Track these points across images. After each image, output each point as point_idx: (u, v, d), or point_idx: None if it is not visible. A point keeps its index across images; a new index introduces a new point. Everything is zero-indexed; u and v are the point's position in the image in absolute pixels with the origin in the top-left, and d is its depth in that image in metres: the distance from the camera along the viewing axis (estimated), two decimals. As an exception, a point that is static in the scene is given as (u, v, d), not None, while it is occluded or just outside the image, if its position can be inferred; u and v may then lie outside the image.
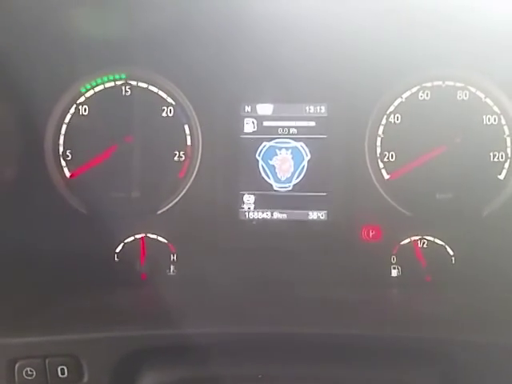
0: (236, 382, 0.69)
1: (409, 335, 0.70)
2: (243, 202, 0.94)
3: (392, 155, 0.93)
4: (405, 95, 0.94)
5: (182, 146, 0.94)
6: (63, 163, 0.94)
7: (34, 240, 0.88)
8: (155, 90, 0.94)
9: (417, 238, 0.92)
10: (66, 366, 0.68)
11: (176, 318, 0.74)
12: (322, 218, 0.93)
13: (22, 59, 0.89)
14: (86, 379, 0.68)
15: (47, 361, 0.68)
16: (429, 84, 0.93)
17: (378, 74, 0.91)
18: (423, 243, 0.92)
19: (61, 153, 0.93)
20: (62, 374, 0.68)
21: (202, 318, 0.75)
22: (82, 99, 0.94)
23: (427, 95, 0.94)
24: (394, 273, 0.92)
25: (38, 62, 0.91)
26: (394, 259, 0.92)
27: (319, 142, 0.92)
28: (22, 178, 0.90)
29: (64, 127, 0.93)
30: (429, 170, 0.92)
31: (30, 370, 0.68)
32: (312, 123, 0.92)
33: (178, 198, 0.94)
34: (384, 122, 0.93)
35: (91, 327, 0.69)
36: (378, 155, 0.93)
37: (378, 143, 0.93)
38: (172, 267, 0.93)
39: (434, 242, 0.92)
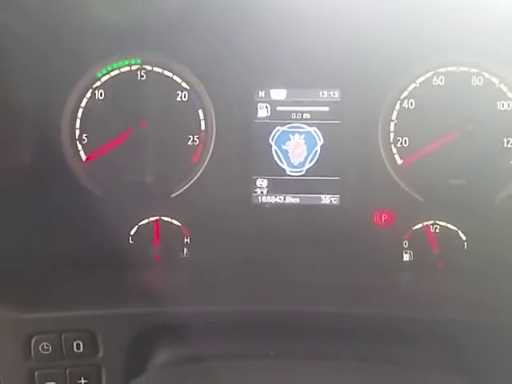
0: (247, 358, 0.69)
1: (419, 316, 0.70)
2: (256, 187, 0.95)
3: (405, 140, 0.93)
4: (419, 80, 0.94)
5: (196, 130, 0.95)
6: (79, 147, 0.95)
7: (50, 221, 0.89)
8: (170, 74, 0.95)
9: (429, 223, 0.92)
10: (81, 340, 0.69)
11: (188, 298, 0.75)
12: (334, 202, 0.93)
13: (38, 45, 0.91)
14: (101, 354, 0.69)
15: (63, 336, 0.69)
16: (443, 69, 0.93)
17: (392, 59, 0.91)
18: (435, 228, 0.92)
19: (77, 136, 0.95)
20: (78, 348, 0.69)
21: (213, 297, 0.76)
22: (98, 84, 0.95)
23: (441, 81, 0.93)
24: (406, 257, 0.92)
25: (55, 47, 0.93)
26: (406, 244, 0.92)
27: (332, 126, 0.93)
28: (39, 162, 0.91)
29: (80, 111, 0.95)
30: (442, 155, 0.92)
31: (46, 345, 0.69)
32: (325, 108, 0.93)
33: (192, 182, 0.95)
34: (398, 107, 0.93)
35: (107, 304, 0.71)
36: (392, 140, 0.93)
37: (392, 128, 0.93)
38: (185, 250, 0.95)
39: (446, 227, 0.92)
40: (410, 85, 0.94)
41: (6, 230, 0.76)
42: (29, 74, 0.90)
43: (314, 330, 0.72)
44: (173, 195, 0.95)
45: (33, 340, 0.69)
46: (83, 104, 0.95)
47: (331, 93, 0.93)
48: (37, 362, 0.70)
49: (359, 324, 0.72)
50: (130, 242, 0.94)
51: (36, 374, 0.70)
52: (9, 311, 0.69)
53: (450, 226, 0.91)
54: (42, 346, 0.69)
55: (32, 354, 0.69)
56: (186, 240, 0.95)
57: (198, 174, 0.95)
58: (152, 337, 0.71)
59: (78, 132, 0.95)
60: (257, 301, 0.76)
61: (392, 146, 0.93)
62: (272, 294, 0.78)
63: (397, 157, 0.93)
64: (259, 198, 0.95)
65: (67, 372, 0.70)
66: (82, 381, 0.70)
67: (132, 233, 0.95)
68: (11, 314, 0.69)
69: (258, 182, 0.94)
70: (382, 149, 0.92)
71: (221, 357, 0.71)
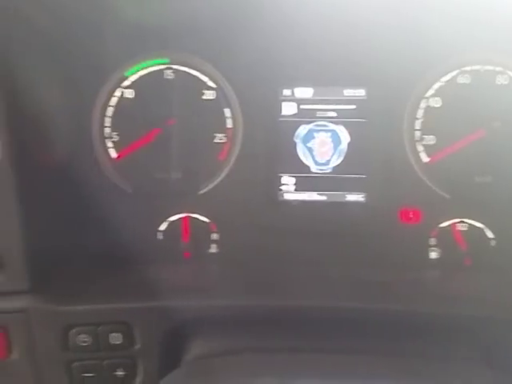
0: (278, 352, 0.71)
1: (445, 312, 0.71)
2: (282, 184, 0.96)
3: (431, 138, 0.94)
4: (444, 79, 0.94)
5: (222, 128, 0.96)
6: (109, 145, 0.97)
7: (82, 217, 0.91)
8: (197, 73, 0.96)
9: (456, 220, 0.92)
10: (118, 333, 0.71)
11: (219, 292, 0.77)
12: (360, 199, 0.94)
13: (69, 44, 0.93)
14: (137, 346, 0.71)
15: (100, 328, 0.71)
16: (468, 68, 0.94)
17: (417, 57, 0.92)
18: (462, 226, 0.92)
19: (107, 135, 0.97)
20: (115, 340, 0.71)
21: (242, 292, 0.77)
22: (126, 83, 0.97)
23: (467, 79, 0.94)
24: (433, 255, 0.93)
25: (85, 46, 0.94)
26: (432, 242, 0.93)
27: (358, 125, 0.94)
28: (70, 160, 0.93)
29: (110, 110, 0.97)
30: (468, 153, 0.92)
31: (84, 337, 0.71)
32: (352, 106, 0.94)
33: (219, 179, 0.96)
34: (423, 105, 0.94)
35: (143, 297, 0.73)
36: (417, 138, 0.94)
37: (417, 126, 0.94)
38: (213, 246, 0.96)
39: (473, 225, 0.92)
40: (435, 83, 0.94)
41: (42, 228, 0.78)
42: (60, 74, 0.92)
43: (342, 324, 0.73)
44: (200, 192, 0.97)
45: (71, 332, 0.71)
46: (112, 103, 0.97)
47: (357, 91, 0.94)
48: (74, 354, 0.72)
49: (387, 319, 0.73)
50: (160, 237, 0.96)
51: (73, 365, 0.72)
52: (48, 304, 0.71)
53: (476, 223, 0.91)
54: (80, 338, 0.71)
55: (70, 345, 0.71)
56: (213, 236, 0.96)
57: (225, 172, 0.96)
58: (187, 330, 0.73)
59: (107, 130, 0.97)
60: (285, 295, 0.77)
61: (418, 143, 0.93)
62: (299, 288, 0.80)
63: (423, 155, 0.94)
64: (285, 195, 0.96)
65: (104, 363, 0.72)
66: (119, 372, 0.72)
67: (161, 229, 0.96)
68: (50, 306, 0.71)
69: (284, 179, 0.96)
70: (407, 147, 0.93)
71: (251, 350, 0.72)
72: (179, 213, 0.97)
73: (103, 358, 0.72)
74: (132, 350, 0.72)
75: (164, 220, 0.97)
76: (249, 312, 0.74)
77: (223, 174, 0.97)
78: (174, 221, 0.97)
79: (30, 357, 0.73)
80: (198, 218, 0.97)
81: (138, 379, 0.74)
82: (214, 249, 0.97)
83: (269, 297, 0.77)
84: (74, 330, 0.71)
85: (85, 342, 0.72)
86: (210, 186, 0.97)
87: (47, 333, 0.72)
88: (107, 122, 0.98)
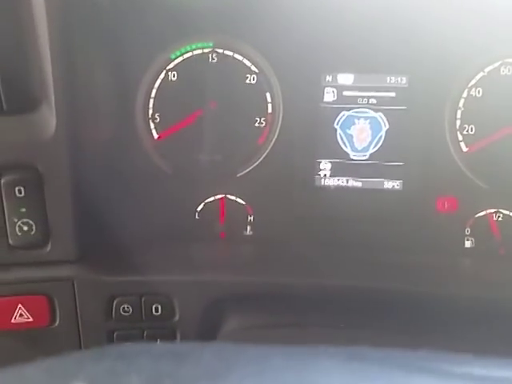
0: (314, 328, 0.73)
1: (483, 295, 0.72)
2: (319, 169, 0.97)
3: (471, 128, 0.93)
4: (487, 69, 0.94)
5: (263, 113, 0.97)
6: (152, 125, 0.99)
7: (124, 196, 0.94)
8: (240, 58, 0.97)
9: (492, 210, 0.92)
10: (160, 304, 0.74)
11: (254, 270, 0.79)
12: (397, 187, 0.95)
13: (116, 27, 0.95)
14: (176, 318, 0.74)
15: (143, 299, 0.74)
16: (511, 60, 0.93)
17: (460, 47, 0.92)
18: (498, 216, 0.92)
19: (150, 115, 0.99)
20: (156, 311, 0.74)
21: (277, 270, 0.79)
22: (171, 65, 0.99)
23: (509, 70, 0.93)
24: (468, 244, 0.93)
25: (131, 29, 0.97)
26: (468, 231, 0.93)
27: (399, 112, 0.94)
28: (114, 140, 0.96)
29: (154, 91, 0.99)
30: (507, 144, 0.92)
31: (127, 307, 0.74)
32: (392, 94, 0.94)
33: (257, 162, 0.98)
34: (465, 95, 0.94)
35: (184, 271, 0.75)
36: (458, 127, 0.94)
37: (458, 116, 0.94)
38: (249, 228, 0.98)
39: (508, 215, 0.92)
40: (477, 73, 0.94)
41: (88, 202, 0.81)
42: (108, 55, 0.94)
43: (375, 305, 0.75)
44: (238, 175, 0.98)
45: (115, 302, 0.74)
46: (157, 85, 0.99)
47: (399, 79, 0.94)
48: (117, 323, 0.75)
49: (421, 302, 0.74)
50: (197, 217, 0.98)
51: (115, 334, 0.75)
52: (94, 274, 0.75)
53: (512, 214, 0.91)
54: (123, 308, 0.74)
55: (113, 315, 0.74)
56: (249, 218, 0.98)
57: (264, 156, 0.98)
58: (224, 305, 0.75)
59: (150, 111, 0.99)
60: (319, 274, 0.79)
61: (458, 133, 0.93)
62: (334, 269, 0.82)
63: (462, 144, 0.93)
64: (322, 180, 0.97)
65: (145, 333, 0.75)
66: (158, 342, 0.75)
67: (199, 209, 0.99)
68: (96, 276, 0.74)
69: (322, 164, 0.97)
70: (447, 136, 0.93)
71: (285, 327, 0.74)
72: (216, 194, 0.99)
73: (144, 328, 0.75)
74: (171, 322, 0.75)
75: (202, 201, 0.99)
76: (283, 289, 0.76)
77: (261, 158, 0.98)
78: (211, 202, 0.99)
79: (73, 325, 0.76)
80: (234, 200, 0.99)
81: (177, 350, 0.76)
82: (249, 231, 0.98)
83: (303, 275, 0.79)
84: (117, 300, 0.74)
85: (127, 311, 0.75)
86: (248, 169, 0.99)
87: (92, 302, 0.75)
88: (151, 102, 1.00)
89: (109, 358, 0.27)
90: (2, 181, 0.71)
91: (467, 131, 0.93)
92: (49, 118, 0.72)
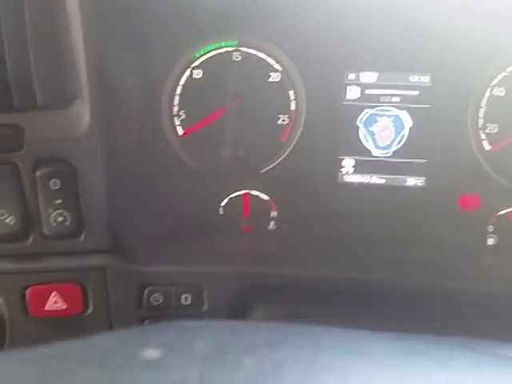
0: (339, 321, 0.74)
1: (506, 292, 0.73)
2: (342, 166, 0.99)
3: (494, 127, 0.94)
4: (509, 69, 0.95)
5: (286, 110, 0.99)
6: (177, 122, 1.01)
7: (152, 190, 0.96)
8: (264, 56, 0.99)
9: (515, 208, 0.93)
10: (189, 294, 0.76)
11: (279, 264, 0.81)
12: (419, 184, 0.96)
13: (143, 26, 0.98)
14: (205, 307, 0.76)
15: (173, 288, 0.76)
16: (533, 59, 0.94)
17: (483, 46, 0.92)
18: (521, 214, 0.93)
19: (175, 112, 1.01)
20: (185, 301, 0.76)
21: (302, 264, 0.81)
22: (196, 63, 1.01)
23: (531, 70, 0.94)
24: (490, 241, 0.94)
25: (158, 28, 0.99)
26: (490, 229, 0.94)
27: (422, 110, 0.95)
28: (141, 136, 0.98)
29: (179, 89, 1.01)
30: (530, 143, 0.93)
31: (157, 296, 0.76)
32: (415, 92, 0.95)
33: (280, 159, 1.00)
34: (488, 94, 0.95)
35: (213, 262, 0.77)
36: (480, 126, 0.94)
37: (481, 115, 0.94)
38: (272, 223, 1.00)
39: (532, 214, 0.93)
40: (500, 73, 0.95)
41: (119, 194, 0.83)
42: (133, 54, 0.97)
43: (396, 299, 0.76)
44: (262, 171, 1.00)
45: (145, 291, 0.76)
46: (182, 82, 1.01)
47: (422, 77, 0.95)
48: (147, 312, 0.77)
49: (443, 297, 0.75)
50: (221, 212, 1.00)
51: (145, 322, 0.77)
52: (126, 263, 0.77)
53: (536, 213, 0.92)
54: (154, 297, 0.76)
55: (144, 303, 0.76)
56: (272, 214, 1.00)
57: (287, 152, 0.99)
58: (250, 295, 0.77)
59: (176, 108, 1.02)
60: (342, 268, 0.80)
61: (480, 131, 0.94)
62: (357, 264, 0.83)
63: (485, 142, 0.94)
64: (344, 177, 0.99)
65: (174, 322, 0.77)
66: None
67: (223, 204, 1.01)
68: (128, 266, 0.77)
69: (345, 161, 0.98)
70: (470, 134, 0.94)
71: (310, 317, 0.76)
72: (240, 190, 1.01)
73: (173, 317, 0.77)
74: (200, 311, 0.77)
75: (226, 196, 1.01)
76: (307, 282, 0.78)
77: (284, 155, 1.00)
78: (235, 197, 1.01)
79: (104, 313, 0.79)
80: (258, 196, 1.01)
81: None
82: (272, 226, 1.00)
83: (326, 269, 0.80)
84: (148, 289, 0.76)
85: (158, 301, 0.77)
86: (271, 165, 1.01)
87: (123, 291, 0.77)
88: (176, 99, 1.02)
89: (173, 330, 0.29)
90: (38, 174, 0.74)
91: (490, 130, 0.94)
92: (83, 114, 0.74)
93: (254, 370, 0.23)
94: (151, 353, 0.25)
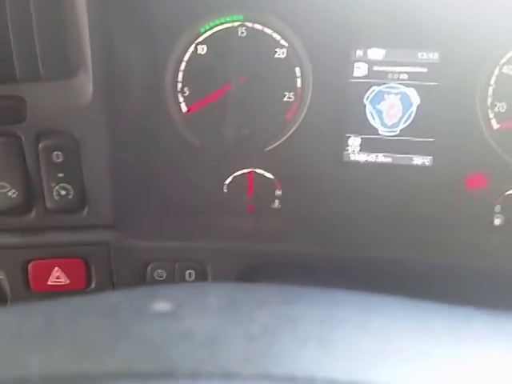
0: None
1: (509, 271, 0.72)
2: (348, 145, 0.97)
3: (503, 106, 0.93)
4: (519, 47, 0.93)
5: (292, 87, 0.97)
6: (180, 99, 1.00)
7: (154, 167, 0.95)
8: (269, 32, 0.97)
9: (523, 188, 0.92)
10: (193, 270, 0.75)
11: (283, 241, 0.80)
12: (426, 163, 0.95)
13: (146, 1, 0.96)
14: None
15: (177, 264, 0.75)
16: (544, 37, 0.92)
17: (492, 24, 0.91)
18: (529, 194, 0.92)
19: (179, 89, 1.00)
20: (189, 277, 0.75)
21: (306, 241, 0.80)
22: (200, 39, 0.99)
23: (542, 48, 0.92)
24: (497, 221, 0.93)
25: (162, 2, 0.97)
26: (497, 208, 0.93)
27: (430, 88, 0.93)
28: (145, 111, 0.97)
29: (183, 65, 0.99)
30: (539, 122, 0.91)
31: (161, 272, 0.76)
32: (424, 69, 0.93)
33: (285, 137, 0.98)
34: (497, 72, 0.93)
35: (217, 239, 0.76)
36: (489, 105, 0.93)
37: (490, 93, 0.93)
38: (276, 201, 0.99)
39: (540, 193, 0.92)
40: (510, 51, 0.93)
41: (122, 170, 0.82)
42: (138, 28, 0.95)
43: (398, 275, 0.75)
44: (266, 149, 0.99)
45: (149, 267, 0.76)
46: (186, 58, 0.99)
47: (430, 54, 0.93)
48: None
49: (449, 273, 0.75)
50: (225, 190, 0.99)
51: (149, 298, 0.77)
52: (130, 239, 0.76)
53: (544, 192, 0.91)
54: (157, 273, 0.76)
55: (147, 279, 0.76)
56: (277, 192, 0.99)
57: (292, 130, 0.98)
58: (254, 272, 0.76)
59: (179, 85, 1.00)
60: (346, 245, 0.79)
61: (489, 110, 0.93)
62: (362, 241, 0.82)
63: (493, 121, 0.93)
64: (350, 155, 0.98)
65: (177, 298, 0.77)
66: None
67: (227, 182, 0.99)
68: (132, 241, 0.76)
69: (351, 140, 0.97)
70: (478, 113, 0.93)
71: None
72: (245, 168, 1.00)
73: (177, 293, 0.77)
74: (204, 288, 0.76)
75: (230, 174, 1.00)
76: (311, 260, 0.77)
77: (290, 133, 0.99)
78: (239, 175, 1.00)
79: (108, 288, 0.78)
80: (262, 174, 0.99)
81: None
82: (276, 204, 0.99)
83: (330, 247, 0.80)
84: (152, 265, 0.76)
85: (161, 276, 0.76)
86: (276, 143, 0.99)
87: (127, 266, 0.77)
88: (180, 76, 1.01)
89: (180, 287, 0.28)
90: (40, 146, 0.72)
91: (498, 108, 0.93)
92: (86, 85, 0.73)
93: (268, 323, 0.22)
94: (162, 306, 0.24)
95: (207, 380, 0.18)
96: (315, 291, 0.30)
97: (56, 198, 0.73)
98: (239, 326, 0.22)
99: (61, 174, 0.73)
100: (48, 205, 0.74)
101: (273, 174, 0.99)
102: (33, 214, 0.75)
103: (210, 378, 0.18)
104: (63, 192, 0.73)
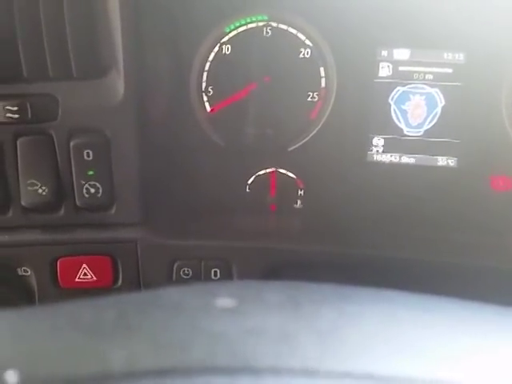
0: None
1: None
2: (372, 145, 0.97)
3: (528, 107, 0.92)
4: (546, 47, 0.92)
5: (316, 87, 0.98)
6: (205, 98, 1.00)
7: (180, 165, 0.96)
8: (294, 31, 0.98)
9: (549, 190, 0.91)
10: (218, 268, 0.76)
11: (306, 240, 0.80)
12: (451, 164, 0.94)
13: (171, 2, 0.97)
14: (234, 282, 0.76)
15: (203, 263, 0.76)
16: None
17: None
18: (554, 196, 0.91)
19: (203, 88, 1.00)
20: (215, 275, 0.76)
21: (329, 241, 0.80)
22: (225, 39, 0.99)
23: None
24: (522, 223, 0.92)
25: (188, 1, 0.98)
26: (523, 210, 0.92)
27: (455, 89, 0.93)
28: (170, 112, 0.98)
29: (208, 64, 1.00)
30: None
31: (187, 270, 0.76)
32: (449, 70, 0.93)
33: (309, 137, 0.98)
34: (523, 72, 0.92)
35: (242, 238, 0.77)
36: (515, 106, 0.92)
37: (516, 94, 0.92)
38: (299, 201, 0.99)
39: None
40: (536, 51, 0.92)
41: (153, 171, 0.83)
42: (165, 28, 0.96)
43: (421, 276, 0.75)
44: (290, 149, 0.99)
45: (175, 264, 0.76)
46: (211, 58, 1.00)
47: (456, 55, 0.93)
48: (177, 285, 0.77)
49: (472, 278, 0.74)
50: (248, 190, 1.00)
51: (176, 295, 0.77)
52: (157, 237, 0.77)
53: None
54: (183, 271, 0.76)
55: (174, 277, 0.77)
56: (300, 192, 0.99)
57: (316, 130, 0.98)
58: (279, 271, 0.77)
59: (204, 84, 1.01)
60: (371, 246, 0.80)
61: (515, 111, 0.92)
62: (385, 242, 0.82)
63: (519, 122, 0.92)
64: (374, 156, 0.97)
65: (204, 297, 0.77)
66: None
67: (249, 182, 1.00)
68: (159, 239, 0.77)
69: (375, 140, 0.97)
70: (504, 113, 0.92)
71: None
72: (267, 167, 1.00)
73: (204, 291, 0.77)
74: (230, 286, 0.77)
75: (253, 174, 1.00)
76: (334, 260, 0.77)
77: (313, 133, 0.99)
78: (262, 175, 1.00)
79: (135, 286, 0.79)
80: (285, 174, 1.00)
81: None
82: (299, 204, 0.99)
83: (353, 247, 0.80)
84: (178, 263, 0.76)
85: (187, 274, 0.77)
86: (300, 143, 0.99)
87: (153, 264, 0.77)
88: (204, 75, 1.01)
89: (238, 284, 0.29)
90: (71, 144, 0.73)
91: (524, 110, 0.92)
92: (117, 84, 0.74)
93: (335, 319, 0.23)
94: (225, 302, 0.25)
95: (288, 375, 0.18)
96: (370, 291, 0.30)
97: (85, 195, 0.74)
98: (307, 323, 0.23)
99: (91, 172, 0.74)
100: (77, 202, 0.75)
101: (295, 174, 0.99)
102: (62, 212, 0.76)
103: (292, 373, 0.18)
104: (92, 190, 0.74)
